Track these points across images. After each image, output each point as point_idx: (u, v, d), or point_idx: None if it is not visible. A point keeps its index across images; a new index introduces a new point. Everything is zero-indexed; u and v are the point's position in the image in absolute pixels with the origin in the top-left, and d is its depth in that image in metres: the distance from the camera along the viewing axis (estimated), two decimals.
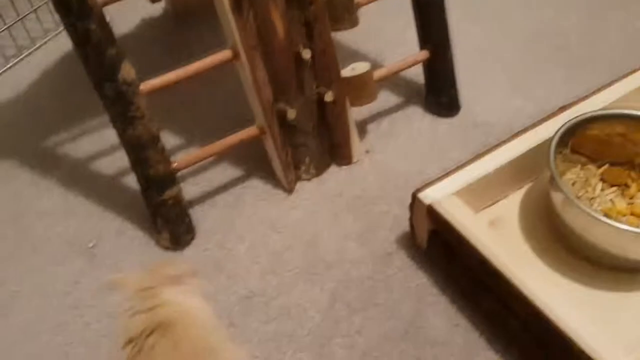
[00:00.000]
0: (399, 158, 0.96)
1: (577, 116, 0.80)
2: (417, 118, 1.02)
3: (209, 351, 0.58)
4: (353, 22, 1.10)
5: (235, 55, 0.79)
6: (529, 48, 1.14)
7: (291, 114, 0.83)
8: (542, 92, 1.05)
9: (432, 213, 0.75)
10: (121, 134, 0.77)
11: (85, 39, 0.70)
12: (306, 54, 0.82)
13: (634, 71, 0.91)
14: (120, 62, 0.72)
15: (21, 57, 1.22)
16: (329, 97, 0.85)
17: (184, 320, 0.58)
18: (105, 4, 0.73)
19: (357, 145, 0.94)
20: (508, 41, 1.16)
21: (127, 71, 0.73)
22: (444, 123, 1.01)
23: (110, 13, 1.13)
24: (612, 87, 0.89)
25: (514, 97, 1.05)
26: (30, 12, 1.24)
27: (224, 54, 0.80)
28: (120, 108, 0.74)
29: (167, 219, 0.84)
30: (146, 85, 0.76)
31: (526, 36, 1.17)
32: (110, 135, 1.03)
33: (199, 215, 0.90)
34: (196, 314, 0.60)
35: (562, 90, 1.03)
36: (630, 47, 1.12)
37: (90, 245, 0.88)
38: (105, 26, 0.71)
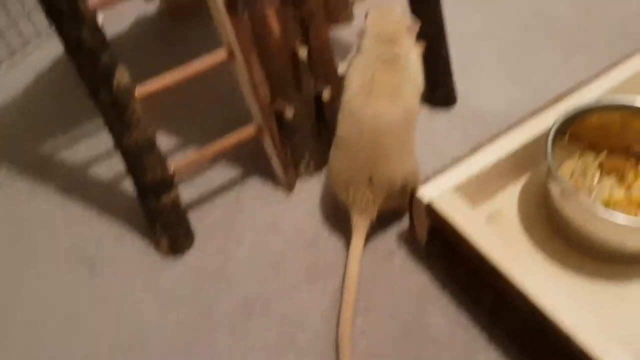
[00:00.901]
0: None
1: (574, 107, 0.80)
2: None
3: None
4: (348, 18, 1.09)
5: (231, 55, 0.78)
6: (525, 34, 1.14)
7: (289, 112, 0.83)
8: (541, 78, 1.04)
9: (430, 211, 0.75)
10: (117, 140, 0.76)
11: (77, 47, 0.68)
12: (303, 52, 0.81)
13: (631, 55, 0.91)
14: (114, 68, 0.71)
15: (14, 59, 1.21)
16: (326, 95, 0.85)
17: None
18: (98, 8, 0.70)
19: None
20: (503, 27, 1.15)
21: (122, 76, 0.71)
22: (441, 115, 1.00)
23: (103, 12, 1.12)
24: (609, 74, 0.88)
25: (512, 85, 1.04)
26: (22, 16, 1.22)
27: (219, 54, 0.79)
28: (116, 114, 0.73)
29: (165, 224, 0.83)
30: (141, 91, 0.75)
31: (521, 21, 1.16)
32: (107, 139, 1.01)
33: (198, 217, 0.89)
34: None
35: (560, 75, 1.03)
36: (627, 30, 1.12)
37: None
38: (98, 32, 0.69)
